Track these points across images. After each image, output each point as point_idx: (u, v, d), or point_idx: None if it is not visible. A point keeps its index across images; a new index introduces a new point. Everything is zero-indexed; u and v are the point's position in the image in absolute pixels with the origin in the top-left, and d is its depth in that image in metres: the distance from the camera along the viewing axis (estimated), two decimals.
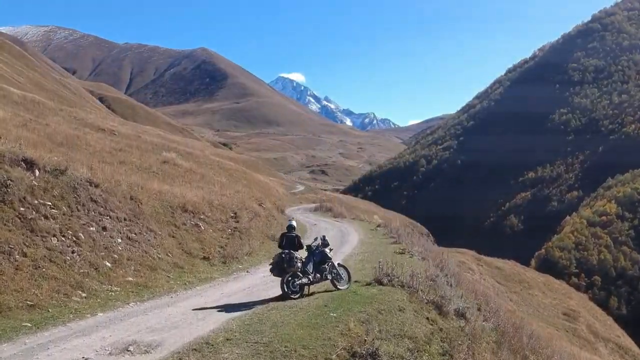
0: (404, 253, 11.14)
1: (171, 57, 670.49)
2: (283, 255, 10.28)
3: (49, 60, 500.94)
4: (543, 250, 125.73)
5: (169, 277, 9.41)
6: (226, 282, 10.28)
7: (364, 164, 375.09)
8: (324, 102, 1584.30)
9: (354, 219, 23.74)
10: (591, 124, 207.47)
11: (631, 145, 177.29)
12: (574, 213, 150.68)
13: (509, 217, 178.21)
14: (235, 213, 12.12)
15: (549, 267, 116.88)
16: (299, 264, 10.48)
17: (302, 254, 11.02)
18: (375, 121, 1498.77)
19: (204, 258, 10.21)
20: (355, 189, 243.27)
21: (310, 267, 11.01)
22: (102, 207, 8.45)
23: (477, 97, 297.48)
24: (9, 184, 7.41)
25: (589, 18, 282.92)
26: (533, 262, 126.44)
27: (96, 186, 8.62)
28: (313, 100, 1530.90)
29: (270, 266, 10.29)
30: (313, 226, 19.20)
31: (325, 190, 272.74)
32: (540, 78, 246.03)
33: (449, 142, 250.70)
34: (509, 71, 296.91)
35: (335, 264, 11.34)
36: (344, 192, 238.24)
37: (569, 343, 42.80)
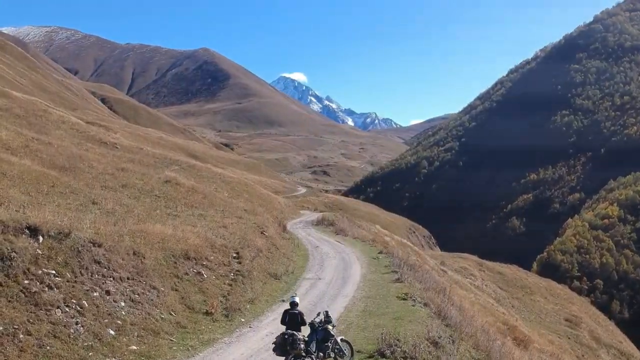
0: (406, 299, 11.11)
1: (173, 58, 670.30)
2: (286, 337, 10.23)
3: (50, 61, 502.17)
4: (545, 254, 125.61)
5: (172, 341, 9.36)
6: (228, 345, 10.20)
7: (366, 165, 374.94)
8: (326, 102, 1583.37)
9: (356, 238, 23.63)
10: (593, 126, 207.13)
11: (633, 147, 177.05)
12: (575, 215, 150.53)
13: (511, 219, 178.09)
14: (238, 253, 12.12)
15: (551, 270, 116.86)
16: (302, 345, 10.41)
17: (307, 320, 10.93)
18: (377, 121, 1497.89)
19: (207, 313, 10.15)
20: (357, 191, 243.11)
21: (313, 347, 10.89)
22: (105, 267, 8.46)
23: (478, 98, 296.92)
24: (13, 257, 7.41)
25: (591, 19, 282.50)
26: (535, 265, 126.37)
27: (99, 246, 8.63)
28: (315, 100, 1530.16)
29: (273, 345, 10.24)
30: (315, 249, 19.15)
31: (326, 191, 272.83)
32: (542, 79, 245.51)
33: (451, 143, 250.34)
34: (511, 72, 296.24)
35: (338, 340, 11.26)
36: (346, 193, 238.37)
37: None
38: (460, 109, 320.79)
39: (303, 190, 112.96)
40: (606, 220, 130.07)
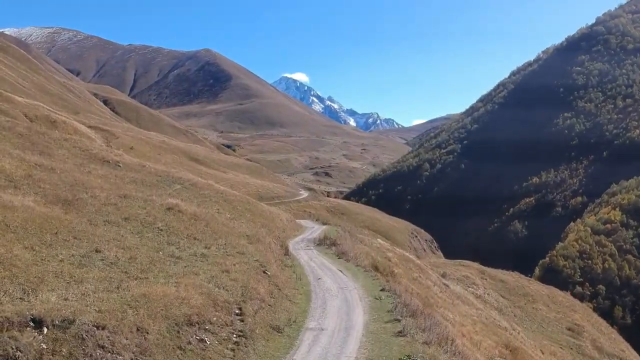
0: None
1: (175, 59, 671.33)
2: None
3: (53, 62, 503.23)
4: (547, 259, 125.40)
5: None
6: None
7: (368, 166, 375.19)
8: (328, 102, 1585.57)
9: (358, 266, 23.60)
10: (595, 129, 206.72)
11: (636, 150, 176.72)
12: (578, 219, 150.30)
13: (513, 222, 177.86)
14: (240, 308, 12.11)
15: (553, 276, 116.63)
16: None
17: None
18: (379, 121, 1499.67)
19: None
20: (359, 193, 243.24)
21: None
22: (109, 352, 8.40)
23: (480, 100, 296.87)
24: (18, 356, 7.37)
25: (593, 21, 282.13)
26: (537, 270, 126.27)
27: (103, 328, 8.59)
28: (316, 101, 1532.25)
29: None
30: (318, 282, 19.15)
31: (328, 193, 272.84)
32: (544, 82, 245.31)
33: (453, 145, 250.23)
34: (513, 74, 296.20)
35: None
36: (348, 196, 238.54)
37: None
38: (462, 109, 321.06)
39: (305, 194, 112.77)
40: (608, 225, 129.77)
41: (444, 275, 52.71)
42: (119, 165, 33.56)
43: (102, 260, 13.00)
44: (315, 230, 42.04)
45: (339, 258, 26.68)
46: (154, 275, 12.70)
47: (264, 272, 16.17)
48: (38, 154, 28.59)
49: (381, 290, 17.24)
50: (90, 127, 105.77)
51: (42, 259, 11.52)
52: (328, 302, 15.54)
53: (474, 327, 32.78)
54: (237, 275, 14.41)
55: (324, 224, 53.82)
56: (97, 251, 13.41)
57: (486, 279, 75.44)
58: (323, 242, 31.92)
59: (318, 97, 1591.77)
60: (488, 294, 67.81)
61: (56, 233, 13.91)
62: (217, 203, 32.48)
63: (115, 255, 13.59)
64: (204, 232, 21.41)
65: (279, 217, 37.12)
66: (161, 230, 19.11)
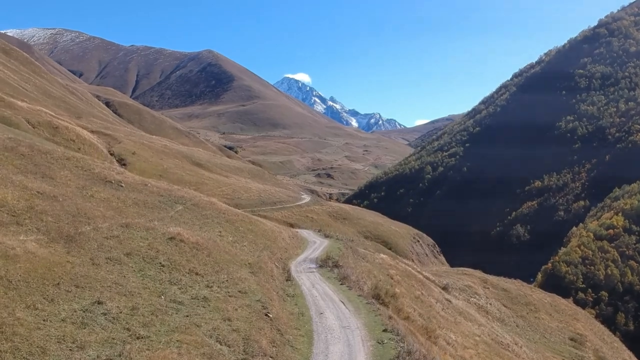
0: None
1: (177, 60, 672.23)
2: None
3: (55, 63, 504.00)
4: (550, 265, 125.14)
5: None
6: None
7: (370, 167, 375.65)
8: (330, 103, 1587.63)
9: (360, 296, 23.56)
10: (598, 132, 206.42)
11: (638, 154, 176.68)
12: (580, 224, 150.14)
13: (516, 226, 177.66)
14: None
15: (555, 282, 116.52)
16: None
17: None
18: (381, 121, 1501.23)
19: None
20: (361, 196, 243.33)
21: None
22: None
23: (482, 102, 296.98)
24: None
25: (596, 23, 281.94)
26: (539, 276, 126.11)
27: None
28: (318, 101, 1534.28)
29: None
30: (320, 317, 19.12)
31: (330, 194, 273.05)
32: (546, 84, 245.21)
33: (455, 148, 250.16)
34: (515, 76, 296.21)
35: None
36: (350, 199, 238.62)
37: None
38: (465, 109, 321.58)
39: (307, 198, 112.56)
40: (611, 231, 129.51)
41: (446, 288, 52.51)
42: (121, 186, 33.60)
43: (105, 314, 12.97)
44: (317, 246, 41.96)
45: (341, 284, 26.58)
46: (155, 331, 12.66)
47: (266, 314, 16.11)
48: (40, 178, 28.60)
49: (384, 330, 17.17)
50: (92, 131, 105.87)
51: (44, 320, 11.48)
52: (330, 347, 15.48)
53: (476, 349, 32.72)
54: (239, 324, 14.35)
55: (326, 236, 53.65)
56: (99, 303, 13.38)
57: (488, 288, 75.36)
58: (325, 264, 31.83)
59: (320, 97, 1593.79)
60: (490, 304, 67.79)
61: (58, 284, 13.89)
62: (219, 224, 32.46)
63: (117, 307, 13.55)
64: (206, 264, 21.39)
65: (280, 236, 37.06)
66: (163, 266, 19.08)
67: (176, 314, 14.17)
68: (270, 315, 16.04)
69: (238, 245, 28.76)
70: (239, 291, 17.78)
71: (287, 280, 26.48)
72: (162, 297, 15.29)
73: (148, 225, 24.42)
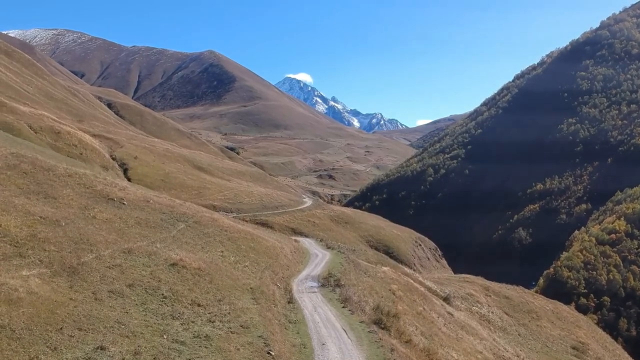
0: None
1: (179, 60, 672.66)
2: None
3: (57, 64, 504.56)
4: (552, 269, 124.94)
5: None
6: None
7: (372, 168, 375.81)
8: (331, 103, 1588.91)
9: (362, 322, 23.60)
10: (600, 135, 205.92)
11: None
12: (582, 227, 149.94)
13: (518, 229, 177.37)
14: None
15: (557, 287, 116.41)
16: None
17: None
18: (382, 121, 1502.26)
19: None
20: (362, 198, 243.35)
21: None
22: None
23: (484, 104, 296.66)
24: None
25: (598, 25, 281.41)
26: (541, 280, 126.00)
27: None
28: (320, 101, 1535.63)
29: None
30: (322, 347, 19.16)
31: (332, 196, 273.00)
32: (548, 87, 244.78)
33: (457, 150, 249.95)
34: (517, 77, 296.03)
35: None
36: (352, 201, 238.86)
37: None
38: (467, 109, 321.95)
39: (309, 202, 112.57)
40: (613, 235, 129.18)
41: (447, 299, 52.47)
42: (123, 203, 33.70)
43: None
44: (319, 260, 42.05)
45: (343, 307, 26.60)
46: None
47: (269, 352, 16.13)
48: (43, 199, 28.71)
49: None
50: (94, 135, 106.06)
51: None
52: None
53: None
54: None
55: (328, 247, 53.76)
56: (101, 348, 13.39)
57: (490, 296, 75.40)
58: (327, 282, 31.88)
59: (322, 97, 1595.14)
60: (492, 312, 67.85)
61: (61, 328, 13.92)
62: (221, 243, 32.54)
63: (120, 352, 13.56)
64: (208, 292, 21.45)
65: (282, 252, 37.09)
66: (165, 297, 19.12)
67: (178, 357, 14.19)
68: (273, 353, 16.06)
69: (240, 266, 28.79)
70: (241, 326, 17.78)
71: (289, 303, 26.50)
72: (165, 336, 15.29)
73: (150, 249, 24.45)
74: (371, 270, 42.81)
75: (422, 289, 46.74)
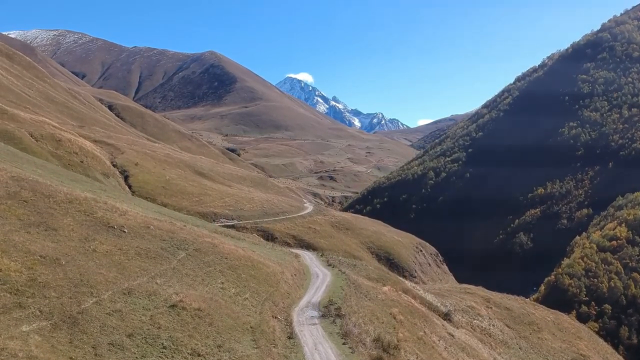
0: None
1: (180, 61, 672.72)
2: None
3: (58, 65, 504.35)
4: (553, 277, 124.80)
5: None
6: None
7: (373, 169, 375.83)
8: (332, 103, 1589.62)
9: None
10: (601, 138, 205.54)
11: None
12: (583, 233, 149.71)
13: (519, 234, 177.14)
14: None
15: (558, 294, 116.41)
16: None
17: None
18: (383, 121, 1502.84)
19: None
20: (363, 201, 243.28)
21: None
22: None
23: (485, 106, 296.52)
24: None
25: (599, 27, 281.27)
26: (542, 287, 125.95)
27: None
28: (321, 101, 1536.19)
29: None
30: None
31: (333, 198, 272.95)
32: (549, 89, 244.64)
33: (458, 153, 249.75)
34: (518, 79, 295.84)
35: None
36: (353, 204, 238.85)
37: None
38: (467, 109, 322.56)
39: (310, 207, 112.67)
40: (614, 242, 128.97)
41: (448, 316, 52.45)
42: (124, 231, 33.72)
43: None
44: (320, 283, 42.12)
45: (343, 343, 26.59)
46: None
47: None
48: (44, 232, 28.70)
49: None
50: (95, 142, 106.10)
51: None
52: None
53: None
54: None
55: (329, 264, 53.78)
56: None
57: (491, 308, 75.37)
58: (328, 311, 31.89)
59: (323, 97, 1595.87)
60: (493, 325, 67.86)
61: None
62: (221, 273, 32.56)
63: None
64: (208, 337, 21.49)
65: (283, 278, 37.08)
66: (165, 348, 19.14)
67: None
68: None
69: (240, 298, 28.79)
70: None
71: (289, 339, 26.48)
72: None
73: (150, 288, 24.44)
74: (372, 292, 42.80)
75: (424, 309, 46.75)
